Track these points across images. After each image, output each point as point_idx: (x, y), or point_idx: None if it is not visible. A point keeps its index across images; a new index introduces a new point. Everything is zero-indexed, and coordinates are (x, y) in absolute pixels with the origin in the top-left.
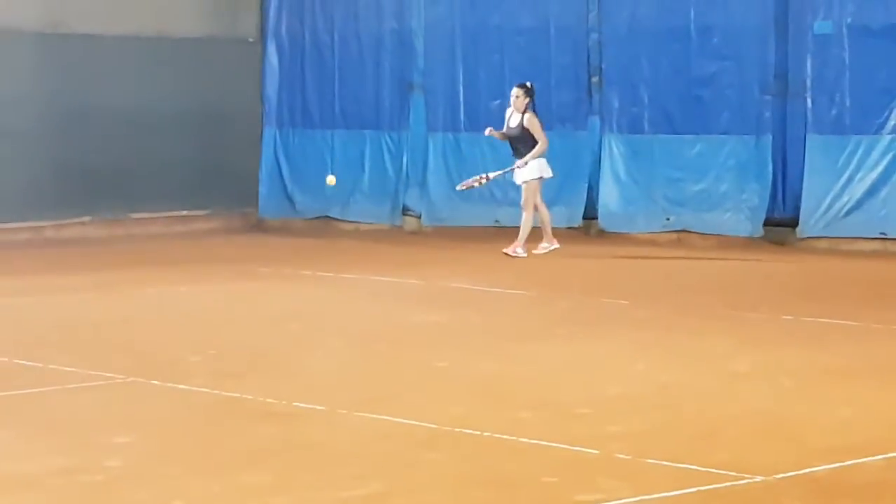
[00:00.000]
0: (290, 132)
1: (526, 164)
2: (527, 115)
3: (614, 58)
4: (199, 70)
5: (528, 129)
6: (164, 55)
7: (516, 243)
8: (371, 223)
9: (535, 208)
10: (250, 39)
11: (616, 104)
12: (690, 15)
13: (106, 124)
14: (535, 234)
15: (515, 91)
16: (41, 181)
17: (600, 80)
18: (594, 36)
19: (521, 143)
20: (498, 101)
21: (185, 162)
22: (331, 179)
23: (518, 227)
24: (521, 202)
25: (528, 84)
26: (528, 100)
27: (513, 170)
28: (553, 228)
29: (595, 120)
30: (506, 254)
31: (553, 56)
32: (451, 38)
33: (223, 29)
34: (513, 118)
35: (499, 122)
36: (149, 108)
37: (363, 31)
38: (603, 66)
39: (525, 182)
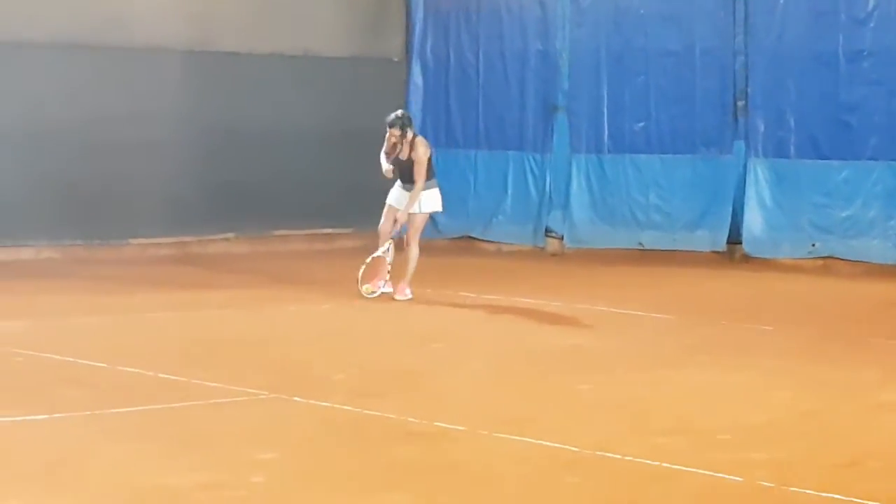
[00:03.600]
0: (433, 151)
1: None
2: (417, 142)
3: (760, 81)
4: (344, 89)
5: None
6: (309, 74)
7: (404, 284)
8: (513, 244)
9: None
10: (395, 59)
11: (762, 128)
12: (839, 39)
13: (251, 142)
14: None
15: (395, 131)
16: (187, 197)
17: (746, 103)
18: (740, 59)
19: (412, 171)
20: (642, 124)
21: (329, 180)
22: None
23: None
24: (407, 236)
25: (399, 113)
26: (409, 129)
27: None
28: (696, 252)
29: (740, 144)
30: (395, 299)
31: (698, 79)
32: (596, 59)
33: (368, 48)
34: (403, 152)
35: (643, 143)
36: (293, 126)
37: (508, 52)
38: (749, 90)
39: (419, 213)
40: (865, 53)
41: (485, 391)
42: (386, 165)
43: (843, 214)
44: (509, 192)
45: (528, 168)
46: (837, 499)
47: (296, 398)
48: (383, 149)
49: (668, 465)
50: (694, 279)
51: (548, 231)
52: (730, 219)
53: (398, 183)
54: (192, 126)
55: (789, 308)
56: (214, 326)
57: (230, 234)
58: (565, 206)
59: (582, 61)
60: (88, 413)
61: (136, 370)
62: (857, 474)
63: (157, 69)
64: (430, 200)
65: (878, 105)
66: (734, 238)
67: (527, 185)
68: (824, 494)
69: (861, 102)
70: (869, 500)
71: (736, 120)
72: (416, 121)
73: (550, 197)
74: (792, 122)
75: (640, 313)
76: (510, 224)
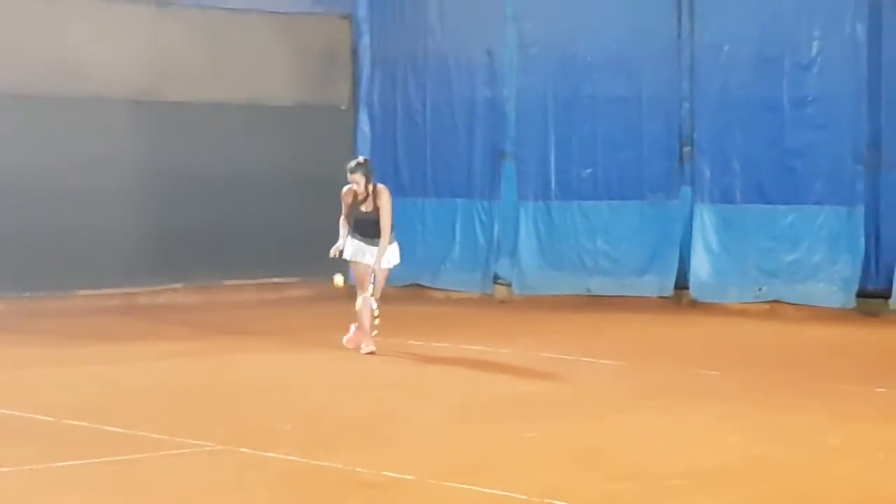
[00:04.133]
0: None
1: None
2: (380, 190)
3: (706, 127)
4: (292, 137)
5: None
6: (257, 122)
7: (367, 337)
8: (462, 291)
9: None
10: (342, 107)
11: (708, 174)
12: (783, 85)
13: (199, 191)
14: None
15: (358, 178)
16: (135, 247)
17: (692, 149)
18: (686, 105)
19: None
20: (590, 170)
21: (278, 228)
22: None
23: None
24: (373, 291)
25: (361, 159)
26: (371, 177)
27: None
28: (643, 297)
29: (687, 189)
30: (366, 353)
31: (645, 125)
32: (544, 105)
33: (316, 97)
34: (365, 203)
35: (590, 190)
36: (242, 174)
37: (455, 99)
38: (695, 136)
39: (388, 267)
40: (810, 99)
41: (434, 440)
42: (343, 232)
43: (790, 258)
44: (457, 239)
45: (476, 215)
46: None
47: (243, 449)
48: (342, 213)
49: None
50: (642, 325)
51: (496, 278)
52: (677, 264)
53: (354, 237)
54: (141, 175)
55: (737, 353)
56: (161, 378)
57: (179, 285)
58: (513, 252)
59: (529, 108)
60: (33, 467)
61: (82, 423)
62: None
63: (105, 118)
64: (391, 254)
65: (822, 150)
66: (681, 283)
67: (475, 233)
68: None
69: (806, 147)
70: None
71: (682, 165)
72: None
73: (498, 244)
74: (738, 167)
75: (588, 359)
76: (459, 271)
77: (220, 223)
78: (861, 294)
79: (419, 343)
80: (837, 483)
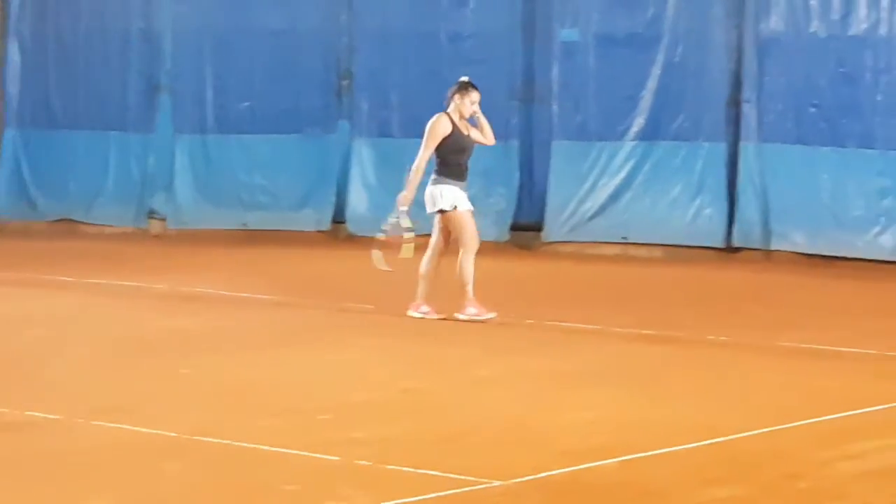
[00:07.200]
0: (32, 133)
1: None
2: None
3: (364, 61)
4: None
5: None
6: None
7: (471, 300)
8: (115, 226)
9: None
10: None
11: (366, 108)
12: (440, 20)
13: None
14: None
15: (477, 95)
16: None
17: (350, 83)
18: (344, 39)
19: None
20: (248, 104)
21: None
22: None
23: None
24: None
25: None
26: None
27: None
28: (301, 232)
29: (345, 123)
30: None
31: (303, 59)
32: (199, 38)
33: None
34: (468, 127)
35: (248, 124)
36: None
37: (110, 30)
38: (353, 70)
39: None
40: (466, 35)
41: (83, 378)
42: (417, 179)
43: None
44: (111, 173)
45: (130, 149)
46: (433, 475)
47: None
48: (420, 156)
49: (268, 447)
50: (299, 259)
51: (151, 212)
52: (335, 198)
53: (447, 182)
54: None
55: (391, 286)
56: None
57: None
58: (169, 187)
59: (185, 41)
60: None
61: None
62: (454, 450)
63: None
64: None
65: (479, 85)
66: (339, 217)
67: (129, 166)
68: (421, 471)
69: None
70: (464, 474)
71: (340, 99)
72: (13, 101)
73: (154, 178)
74: (395, 102)
75: (244, 295)
76: (112, 206)
77: None
78: (514, 227)
79: (70, 279)
80: (483, 413)
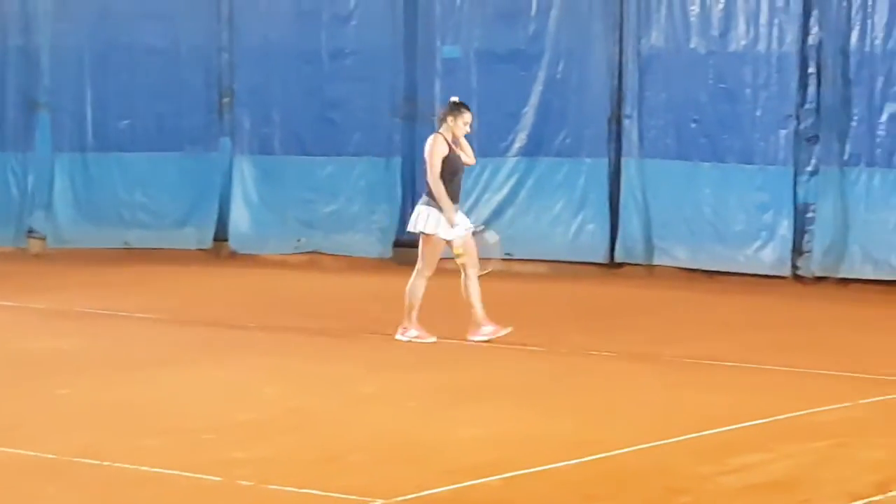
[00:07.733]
0: None
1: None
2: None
3: (245, 79)
4: None
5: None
6: None
7: (483, 319)
8: None
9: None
10: None
11: (247, 125)
12: (322, 37)
13: None
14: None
15: (469, 117)
16: None
17: (231, 100)
18: (225, 56)
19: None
20: (128, 122)
21: None
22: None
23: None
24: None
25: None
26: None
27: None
28: (183, 250)
29: (226, 141)
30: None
31: (184, 76)
32: (78, 55)
33: None
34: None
35: (128, 142)
36: None
37: None
38: (234, 87)
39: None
40: (348, 51)
41: None
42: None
43: (328, 210)
44: None
45: (9, 167)
46: (316, 494)
47: None
48: (434, 175)
49: (149, 468)
50: (181, 277)
51: (30, 231)
52: (216, 216)
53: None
54: None
55: (276, 305)
56: None
57: None
58: (48, 205)
59: (64, 58)
60: None
61: None
62: (337, 469)
63: None
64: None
65: (360, 102)
66: (221, 235)
67: (8, 185)
68: (303, 491)
69: (344, 99)
70: (346, 493)
71: (221, 117)
72: None
73: (33, 196)
74: (277, 119)
75: (125, 314)
76: None
77: None
78: (398, 244)
79: None
80: (368, 432)
